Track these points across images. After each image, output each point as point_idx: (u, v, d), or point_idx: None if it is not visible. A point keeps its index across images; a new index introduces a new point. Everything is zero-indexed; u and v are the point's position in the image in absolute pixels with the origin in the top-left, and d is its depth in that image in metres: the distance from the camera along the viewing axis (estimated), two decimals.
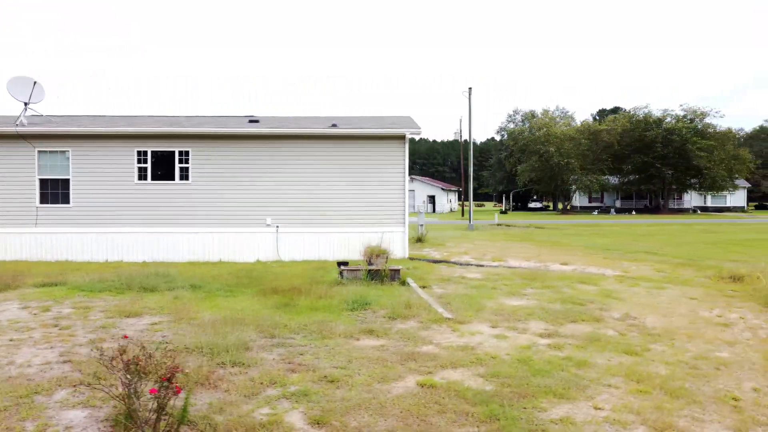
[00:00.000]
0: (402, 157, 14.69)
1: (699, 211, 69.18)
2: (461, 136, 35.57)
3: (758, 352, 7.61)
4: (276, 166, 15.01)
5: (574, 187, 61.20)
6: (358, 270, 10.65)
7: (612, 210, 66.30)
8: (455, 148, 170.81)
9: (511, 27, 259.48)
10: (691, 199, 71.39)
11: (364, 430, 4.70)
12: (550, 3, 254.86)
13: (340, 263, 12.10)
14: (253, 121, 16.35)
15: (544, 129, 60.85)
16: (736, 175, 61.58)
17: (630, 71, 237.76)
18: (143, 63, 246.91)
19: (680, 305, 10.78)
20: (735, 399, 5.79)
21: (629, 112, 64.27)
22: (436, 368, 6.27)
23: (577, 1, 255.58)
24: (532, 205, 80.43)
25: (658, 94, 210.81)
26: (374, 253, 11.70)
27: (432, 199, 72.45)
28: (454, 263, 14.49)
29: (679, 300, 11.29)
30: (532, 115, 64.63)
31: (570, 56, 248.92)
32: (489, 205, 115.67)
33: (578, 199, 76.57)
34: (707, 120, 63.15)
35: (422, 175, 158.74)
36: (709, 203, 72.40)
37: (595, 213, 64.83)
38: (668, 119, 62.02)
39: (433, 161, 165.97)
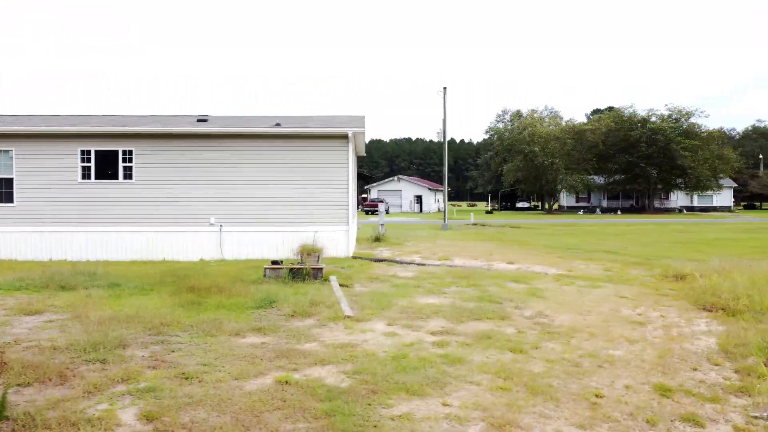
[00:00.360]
0: (345, 156, 14.68)
1: (685, 211, 69.25)
2: (444, 136, 35.45)
3: (656, 350, 7.63)
4: (220, 166, 15.01)
5: (559, 186, 61.19)
6: (281, 269, 10.64)
7: (597, 210, 66.36)
8: (452, 148, 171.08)
9: (512, 27, 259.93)
10: (678, 199, 71.46)
11: (193, 426, 4.70)
12: (552, 3, 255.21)
13: (273, 262, 12.10)
14: (202, 120, 16.35)
15: (529, 129, 60.86)
16: (721, 175, 61.63)
17: (630, 71, 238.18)
18: (143, 63, 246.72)
19: (605, 304, 10.80)
20: (598, 396, 5.81)
21: (615, 111, 64.24)
22: (304, 365, 6.28)
23: (579, 1, 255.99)
24: (519, 204, 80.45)
25: (658, 94, 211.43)
26: (306, 252, 11.71)
27: (419, 199, 72.44)
28: (397, 262, 14.49)
29: (607, 299, 11.32)
30: (518, 114, 64.59)
31: (570, 56, 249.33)
32: (482, 205, 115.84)
33: (565, 199, 76.61)
34: (693, 120, 63.27)
35: (419, 176, 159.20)
36: (696, 203, 72.48)
37: (581, 213, 64.89)
38: (653, 119, 62.07)
39: (429, 161, 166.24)
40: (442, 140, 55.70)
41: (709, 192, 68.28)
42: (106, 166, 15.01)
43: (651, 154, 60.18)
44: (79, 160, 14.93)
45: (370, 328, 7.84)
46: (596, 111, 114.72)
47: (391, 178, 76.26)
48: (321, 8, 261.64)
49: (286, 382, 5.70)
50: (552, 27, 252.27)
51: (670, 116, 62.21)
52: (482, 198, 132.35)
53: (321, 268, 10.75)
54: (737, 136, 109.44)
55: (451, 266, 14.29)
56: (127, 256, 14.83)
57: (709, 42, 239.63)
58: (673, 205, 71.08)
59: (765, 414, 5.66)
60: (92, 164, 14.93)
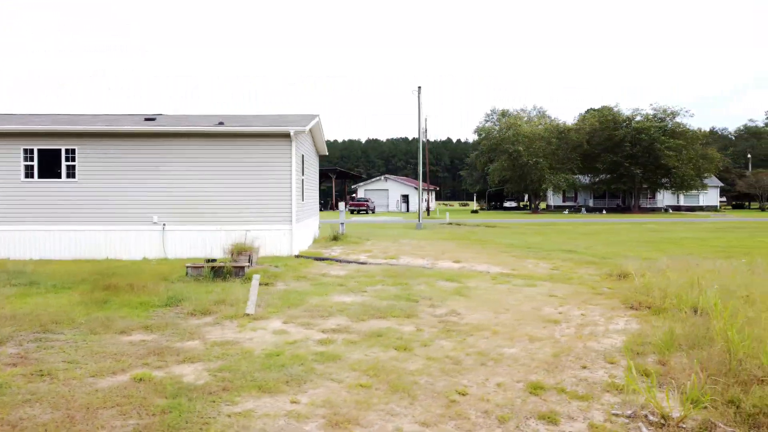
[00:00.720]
0: (288, 154, 14.67)
1: (671, 211, 69.34)
2: (420, 135, 35.42)
3: (556, 349, 7.64)
4: (164, 165, 14.99)
5: (543, 186, 61.24)
6: (202, 267, 10.63)
7: (583, 209, 66.37)
8: (449, 148, 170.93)
9: (512, 27, 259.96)
10: (664, 198, 71.54)
11: (20, 423, 4.70)
12: (552, 3, 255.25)
13: (208, 260, 12.09)
14: (150, 119, 16.32)
15: (513, 128, 60.89)
16: (705, 175, 61.70)
17: (631, 71, 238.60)
18: (143, 63, 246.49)
19: (530, 302, 10.81)
20: (461, 394, 5.81)
21: (599, 110, 64.27)
22: (171, 363, 6.27)
23: (581, 1, 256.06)
24: (507, 204, 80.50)
25: (658, 94, 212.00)
26: (237, 251, 11.69)
27: (405, 198, 72.48)
28: (339, 261, 14.49)
29: (535, 297, 11.32)
30: (503, 114, 64.63)
31: (571, 56, 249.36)
32: (473, 205, 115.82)
33: (552, 199, 76.67)
34: (678, 119, 63.35)
35: (415, 176, 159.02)
36: (683, 203, 72.57)
37: (566, 212, 64.95)
38: (638, 118, 62.12)
39: (425, 161, 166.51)
40: (424, 140, 55.77)
41: (695, 192, 68.41)
42: (49, 165, 15.00)
43: (635, 154, 60.24)
44: (22, 159, 14.90)
45: (263, 327, 7.84)
46: (590, 111, 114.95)
47: (378, 178, 76.26)
48: (322, 8, 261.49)
49: (141, 379, 5.70)
50: (553, 27, 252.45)
51: (655, 116, 62.27)
52: (477, 198, 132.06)
53: (243, 267, 10.74)
54: (733, 137, 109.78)
55: (392, 265, 14.29)
56: (70, 255, 14.81)
57: (709, 42, 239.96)
58: (659, 205, 71.16)
59: (628, 412, 5.67)
60: (35, 163, 14.91)
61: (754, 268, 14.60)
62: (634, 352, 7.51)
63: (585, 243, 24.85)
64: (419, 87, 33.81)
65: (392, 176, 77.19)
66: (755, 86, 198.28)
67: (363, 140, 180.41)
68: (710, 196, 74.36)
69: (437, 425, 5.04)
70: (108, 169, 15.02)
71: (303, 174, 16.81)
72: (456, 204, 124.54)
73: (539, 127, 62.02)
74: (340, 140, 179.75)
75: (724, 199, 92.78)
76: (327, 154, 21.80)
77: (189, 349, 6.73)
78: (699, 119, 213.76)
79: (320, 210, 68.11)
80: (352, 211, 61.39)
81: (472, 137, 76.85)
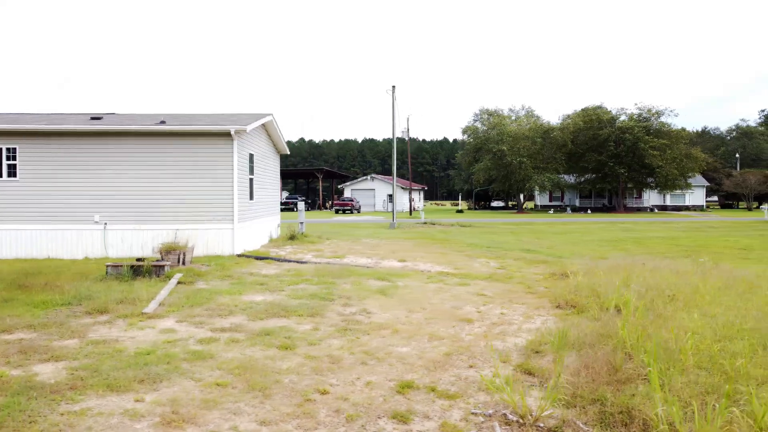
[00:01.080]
0: (230, 154, 14.61)
1: (656, 210, 69.48)
2: (393, 135, 35.41)
3: (452, 348, 7.62)
4: (106, 164, 14.91)
5: (528, 185, 61.25)
6: (121, 266, 10.59)
7: (568, 209, 66.43)
8: (445, 147, 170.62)
9: (512, 27, 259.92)
10: (650, 198, 71.65)
11: None
12: (557, 3, 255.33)
13: (138, 259, 12.04)
14: (96, 118, 16.26)
15: (497, 128, 60.87)
16: (690, 174, 61.76)
17: (628, 72, 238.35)
18: (144, 63, 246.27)
19: (452, 301, 10.78)
20: (322, 392, 5.77)
21: (584, 110, 64.26)
22: (36, 361, 6.24)
23: (584, 1, 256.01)
24: (495, 204, 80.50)
25: (661, 93, 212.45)
26: (166, 250, 11.64)
27: (391, 198, 72.38)
28: (278, 260, 14.45)
29: (460, 296, 11.28)
30: (488, 113, 64.59)
31: (570, 57, 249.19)
32: (464, 205, 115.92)
33: (539, 198, 76.81)
34: (663, 119, 63.43)
35: (412, 174, 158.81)
36: (669, 202, 72.71)
37: (551, 212, 64.98)
38: (622, 117, 62.19)
39: (422, 161, 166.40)
40: (404, 138, 55.78)
41: (681, 191, 68.53)
42: None
43: (619, 153, 60.32)
44: None
45: (153, 326, 7.80)
46: (584, 110, 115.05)
47: (364, 178, 76.24)
48: (323, 8, 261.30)
49: None
50: (555, 28, 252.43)
51: (640, 115, 62.34)
52: (466, 197, 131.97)
53: (163, 266, 10.69)
54: (728, 137, 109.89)
55: (331, 264, 14.26)
56: (11, 254, 14.74)
57: (708, 42, 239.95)
58: (645, 205, 71.26)
59: (489, 411, 5.65)
60: None
61: (702, 267, 14.66)
62: (534, 351, 7.49)
63: (551, 242, 24.86)
64: (393, 86, 33.91)
65: (379, 176, 77.09)
66: (750, 89, 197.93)
67: (359, 140, 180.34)
68: (696, 196, 74.49)
69: (278, 424, 5.00)
70: (50, 168, 14.94)
71: (252, 173, 16.76)
72: (448, 204, 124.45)
73: (524, 126, 61.95)
74: (336, 140, 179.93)
75: (715, 198, 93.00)
76: (288, 153, 21.75)
77: (61, 348, 6.68)
78: (696, 120, 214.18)
79: (307, 209, 68.52)
80: (336, 211, 61.34)
81: (460, 137, 76.77)
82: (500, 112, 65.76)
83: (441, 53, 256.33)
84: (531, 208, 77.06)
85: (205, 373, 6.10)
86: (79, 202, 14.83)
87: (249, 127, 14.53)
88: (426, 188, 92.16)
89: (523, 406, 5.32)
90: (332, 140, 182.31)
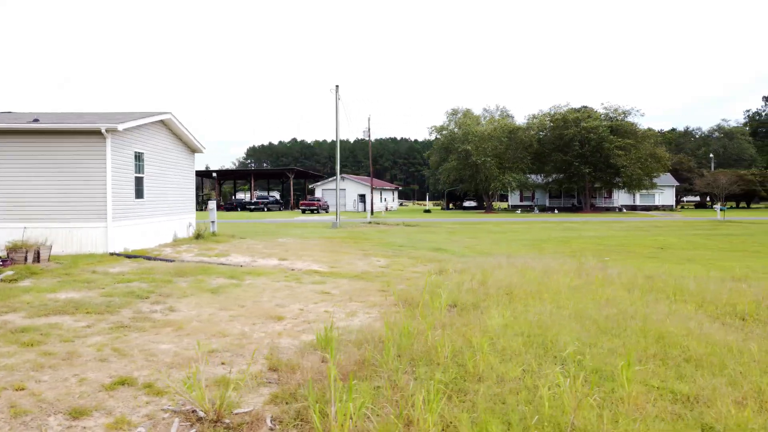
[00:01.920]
0: (103, 152, 14.50)
1: (625, 210, 69.68)
2: (337, 135, 35.33)
3: (220, 345, 7.58)
4: None
5: (493, 185, 61.32)
6: None
7: (535, 209, 66.62)
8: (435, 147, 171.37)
9: (512, 27, 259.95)
10: (619, 198, 71.86)
11: None
12: (559, 3, 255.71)
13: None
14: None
15: (463, 128, 60.93)
16: (654, 174, 61.88)
17: (630, 71, 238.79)
18: (144, 63, 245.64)
19: (284, 300, 10.73)
20: (18, 389, 5.71)
21: (550, 111, 64.43)
22: None
23: (582, 5, 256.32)
24: (466, 204, 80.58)
25: (661, 93, 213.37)
26: (12, 248, 11.56)
27: (363, 197, 72.33)
28: (150, 258, 14.39)
29: (298, 295, 11.21)
30: (454, 112, 64.61)
31: (572, 56, 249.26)
32: (431, 205, 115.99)
33: (511, 198, 76.94)
34: (629, 119, 63.67)
35: (404, 175, 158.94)
36: (638, 202, 72.92)
37: (519, 212, 65.16)
38: (588, 117, 62.25)
39: (413, 161, 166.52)
40: (367, 139, 55.71)
41: (651, 191, 68.82)
42: None
43: (584, 153, 60.42)
44: None
45: None
46: (570, 111, 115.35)
47: (334, 177, 76.06)
48: (319, 10, 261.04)
49: None
50: (554, 29, 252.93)
51: (606, 115, 62.54)
52: (435, 198, 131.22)
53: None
54: (711, 137, 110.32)
55: (196, 262, 14.22)
56: None
57: (710, 42, 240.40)
58: (615, 204, 71.48)
59: (176, 408, 5.60)
60: None
61: (582, 266, 14.72)
62: (314, 347, 7.47)
63: (477, 242, 24.88)
64: (337, 86, 33.74)
65: (350, 176, 77.05)
66: (750, 89, 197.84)
67: (351, 140, 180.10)
68: (666, 196, 74.74)
69: None
70: None
71: (141, 172, 16.68)
72: (429, 204, 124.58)
73: (490, 126, 62.05)
74: (329, 140, 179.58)
75: (697, 198, 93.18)
76: (203, 152, 21.68)
77: None
78: (635, 118, 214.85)
79: (279, 209, 68.25)
80: (303, 211, 61.25)
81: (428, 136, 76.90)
82: (471, 112, 65.79)
83: (434, 53, 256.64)
84: (504, 208, 77.22)
85: None
86: None
87: (122, 126, 14.43)
88: (399, 188, 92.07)
89: (219, 404, 5.30)
90: (324, 140, 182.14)
